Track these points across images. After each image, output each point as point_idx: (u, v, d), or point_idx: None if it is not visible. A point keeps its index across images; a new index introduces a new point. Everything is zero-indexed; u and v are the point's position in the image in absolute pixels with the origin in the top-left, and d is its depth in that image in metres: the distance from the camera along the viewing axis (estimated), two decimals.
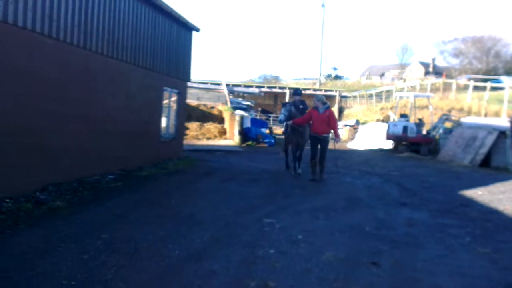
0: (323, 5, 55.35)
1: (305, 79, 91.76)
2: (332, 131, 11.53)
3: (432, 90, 35.40)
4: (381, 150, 23.97)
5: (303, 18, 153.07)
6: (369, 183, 11.98)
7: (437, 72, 72.96)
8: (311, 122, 11.47)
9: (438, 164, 17.96)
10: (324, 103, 11.48)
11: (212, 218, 7.26)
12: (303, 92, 44.73)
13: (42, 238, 5.82)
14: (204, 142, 21.73)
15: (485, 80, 36.35)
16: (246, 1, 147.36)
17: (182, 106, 14.79)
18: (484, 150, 17.74)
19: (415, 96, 25.44)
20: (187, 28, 14.24)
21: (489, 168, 17.22)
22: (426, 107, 28.39)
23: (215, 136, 23.04)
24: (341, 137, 12.38)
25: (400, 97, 27.50)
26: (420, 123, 22.89)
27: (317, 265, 5.30)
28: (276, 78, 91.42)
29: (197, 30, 14.49)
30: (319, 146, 11.33)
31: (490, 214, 8.32)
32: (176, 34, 13.48)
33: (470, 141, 18.75)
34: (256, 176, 12.07)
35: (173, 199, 8.69)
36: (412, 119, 23.54)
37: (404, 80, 63.21)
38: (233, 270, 5.02)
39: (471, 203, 9.37)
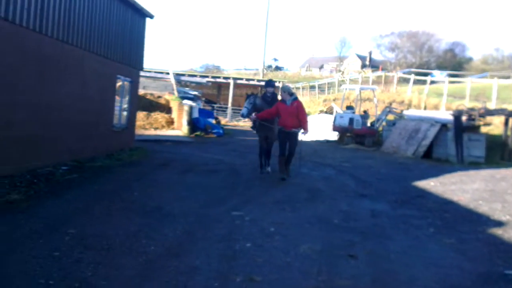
0: None
1: (245, 69, 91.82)
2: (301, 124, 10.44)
3: (373, 83, 36.45)
4: (327, 141, 24.40)
5: (243, 7, 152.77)
6: (325, 174, 12.17)
7: (374, 65, 74.83)
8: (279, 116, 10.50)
9: (383, 155, 18.49)
10: (291, 94, 10.60)
11: (180, 211, 7.12)
12: (246, 82, 44.69)
13: (5, 234, 5.49)
14: (152, 132, 21.28)
15: (425, 74, 37.78)
16: None
17: (135, 95, 14.39)
18: (426, 142, 18.43)
19: (361, 89, 26.10)
20: (141, 15, 13.81)
21: (431, 159, 17.88)
22: (368, 99, 29.22)
23: (163, 126, 22.59)
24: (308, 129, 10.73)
25: (346, 89, 28.07)
26: (365, 115, 23.50)
27: (297, 258, 5.32)
28: (218, 68, 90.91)
29: (151, 16, 14.09)
30: (287, 142, 10.36)
31: (446, 205, 8.66)
32: (130, 21, 13.04)
33: (413, 133, 19.43)
34: (213, 167, 11.95)
35: (134, 191, 8.43)
36: (358, 111, 24.13)
37: (342, 73, 64.54)
38: (215, 265, 4.94)
39: (426, 194, 9.72)
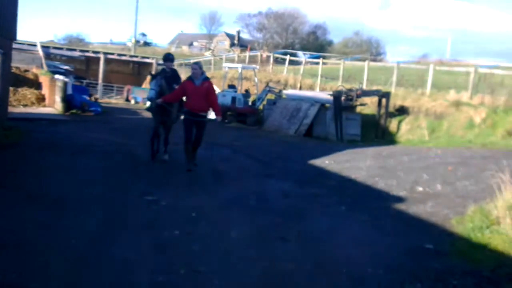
0: None
1: (112, 42, 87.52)
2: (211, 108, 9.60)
3: (249, 62, 36.98)
4: (209, 120, 24.23)
5: None
6: (221, 154, 11.97)
7: (242, 44, 75.75)
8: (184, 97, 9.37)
9: (267, 134, 18.74)
10: (202, 72, 9.28)
11: (89, 198, 6.62)
12: (118, 57, 42.55)
13: None
14: (21, 109, 19.28)
15: (293, 55, 39.39)
16: None
17: (7, 69, 12.83)
18: (308, 121, 19.15)
19: (243, 68, 26.26)
20: None
21: (312, 137, 18.59)
22: (245, 78, 29.57)
23: (33, 103, 20.61)
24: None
25: (228, 67, 28.06)
26: (246, 94, 23.71)
27: (232, 244, 5.20)
28: (82, 40, 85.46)
29: None
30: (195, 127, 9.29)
31: (347, 183, 8.99)
32: None
33: (294, 112, 20.07)
34: (104, 148, 11.15)
35: (28, 177, 7.59)
36: (239, 90, 24.28)
37: (212, 51, 64.49)
38: (151, 257, 4.63)
39: (325, 172, 10.03)
